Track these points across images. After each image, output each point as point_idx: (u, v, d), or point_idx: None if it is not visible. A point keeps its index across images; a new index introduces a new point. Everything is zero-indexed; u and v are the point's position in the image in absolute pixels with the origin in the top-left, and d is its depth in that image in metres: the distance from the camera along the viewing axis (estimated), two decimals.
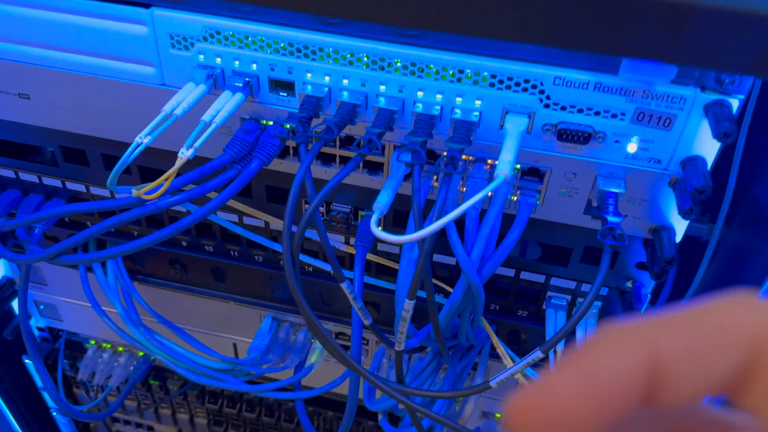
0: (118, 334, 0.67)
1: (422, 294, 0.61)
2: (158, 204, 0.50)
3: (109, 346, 0.85)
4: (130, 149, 0.43)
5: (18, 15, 0.51)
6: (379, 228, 0.40)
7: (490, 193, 0.50)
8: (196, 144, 0.44)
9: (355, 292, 0.47)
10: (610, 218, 0.45)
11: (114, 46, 0.51)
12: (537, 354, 0.43)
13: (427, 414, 0.46)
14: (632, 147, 0.46)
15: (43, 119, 0.58)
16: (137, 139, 0.43)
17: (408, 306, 0.43)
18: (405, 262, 0.47)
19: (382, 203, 0.44)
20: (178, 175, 0.48)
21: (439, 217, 0.40)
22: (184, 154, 0.43)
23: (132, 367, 0.84)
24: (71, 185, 0.64)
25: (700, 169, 0.44)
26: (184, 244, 0.67)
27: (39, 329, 0.88)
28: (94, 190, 0.64)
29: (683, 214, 0.45)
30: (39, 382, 0.92)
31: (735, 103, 0.42)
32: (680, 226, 0.50)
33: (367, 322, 0.48)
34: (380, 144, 0.43)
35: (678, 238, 0.50)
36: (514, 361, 0.54)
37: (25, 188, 0.66)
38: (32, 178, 0.65)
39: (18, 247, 0.67)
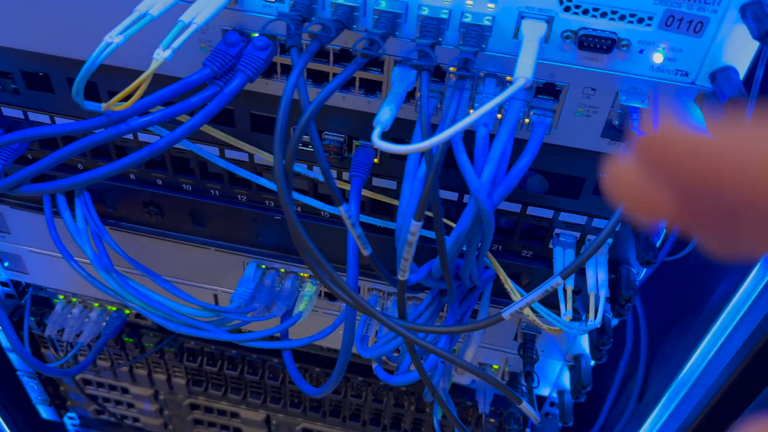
0: (89, 281, 0.62)
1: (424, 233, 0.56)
2: (130, 124, 0.45)
3: (79, 300, 0.80)
4: (97, 50, 0.38)
5: None
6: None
7: (499, 115, 0.46)
8: (174, 45, 0.38)
9: (354, 218, 0.42)
10: (638, 131, 0.40)
11: None
12: (557, 280, 0.40)
13: (432, 350, 0.42)
14: (658, 57, 0.42)
15: (2, 39, 0.52)
16: (107, 39, 0.38)
17: (414, 228, 0.39)
18: (409, 182, 0.43)
19: (384, 118, 0.40)
20: (151, 92, 0.43)
21: (452, 124, 0.35)
22: (161, 55, 0.38)
23: (104, 323, 0.78)
24: (34, 116, 0.58)
25: (733, 79, 0.40)
26: (160, 182, 0.61)
27: (2, 284, 0.82)
28: (60, 122, 0.58)
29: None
30: (4, 342, 0.86)
31: None
32: None
33: (366, 252, 0.43)
34: (383, 46, 0.39)
35: None
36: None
37: None
38: None
39: None
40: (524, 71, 0.37)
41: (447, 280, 0.44)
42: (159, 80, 0.48)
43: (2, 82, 0.57)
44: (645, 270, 0.57)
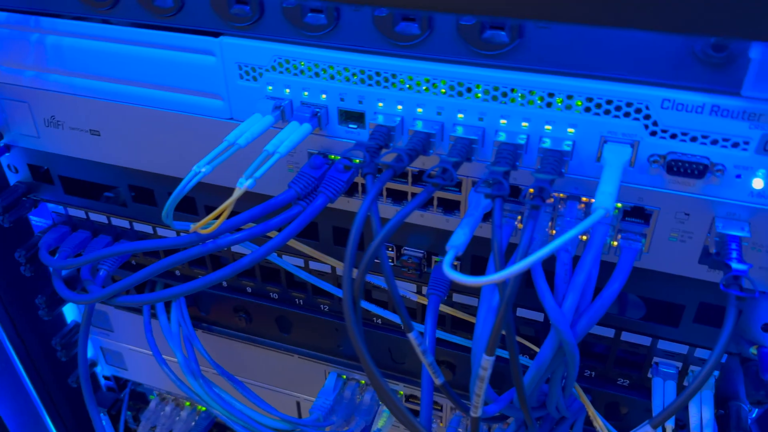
0: (176, 384, 0.63)
1: (505, 354, 0.54)
2: (218, 242, 0.46)
3: (172, 399, 0.82)
4: (187, 178, 0.40)
5: (87, 48, 0.50)
6: (453, 269, 0.34)
7: (584, 236, 0.44)
8: (256, 174, 0.40)
9: (425, 345, 0.41)
10: (735, 265, 0.37)
11: (182, 77, 0.49)
12: (646, 429, 0.36)
13: None
14: (758, 183, 0.39)
15: (112, 156, 0.57)
16: (195, 168, 0.40)
17: (486, 363, 0.37)
18: (483, 312, 0.41)
19: (457, 243, 0.39)
20: (239, 212, 0.45)
21: (525, 256, 0.34)
22: (243, 184, 0.40)
23: (194, 423, 0.80)
24: (139, 226, 0.63)
25: None
26: (249, 290, 0.63)
27: (105, 378, 0.86)
28: (162, 232, 0.62)
29: None
30: None
31: None
32: None
33: (438, 382, 0.41)
34: (456, 175, 0.38)
35: None
36: None
37: (95, 229, 0.65)
38: (102, 218, 0.64)
39: (85, 290, 0.65)
40: (603, 202, 0.35)
41: (526, 416, 0.41)
42: (252, 197, 0.50)
43: (116, 196, 0.63)
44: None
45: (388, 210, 0.50)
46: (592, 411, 0.47)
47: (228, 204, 0.40)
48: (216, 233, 0.45)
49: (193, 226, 0.43)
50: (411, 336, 0.40)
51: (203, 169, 0.40)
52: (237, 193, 0.40)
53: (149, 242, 0.49)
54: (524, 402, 0.40)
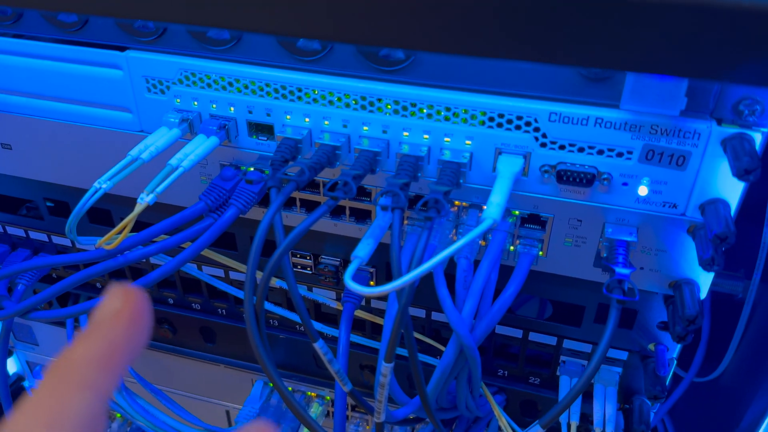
0: None
1: (424, 359, 0.55)
2: (128, 256, 0.47)
3: None
4: (87, 194, 0.40)
5: None
6: (354, 281, 0.36)
7: (483, 242, 0.45)
8: (158, 189, 0.40)
9: (338, 354, 0.42)
10: (619, 269, 0.39)
11: (91, 91, 0.49)
12: (536, 429, 0.37)
13: None
14: (643, 190, 0.41)
15: (26, 170, 0.56)
16: (96, 184, 0.40)
17: (385, 370, 0.38)
18: (388, 321, 0.42)
19: (361, 253, 0.40)
20: (151, 224, 0.45)
21: (418, 265, 0.35)
22: (144, 200, 0.40)
23: None
24: (57, 239, 0.62)
25: (721, 213, 0.39)
26: (171, 301, 0.63)
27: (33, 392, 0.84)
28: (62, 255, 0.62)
29: (704, 264, 0.39)
30: None
31: (758, 137, 0.37)
32: (704, 280, 0.44)
33: (346, 389, 0.42)
34: (354, 187, 0.39)
35: (702, 294, 0.44)
36: None
37: (12, 243, 0.64)
38: (20, 232, 0.63)
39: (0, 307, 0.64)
40: (491, 212, 0.36)
41: (430, 418, 0.42)
42: (167, 209, 0.50)
43: (28, 208, 0.62)
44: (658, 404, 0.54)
45: (325, 223, 0.50)
46: (496, 408, 0.48)
47: (128, 220, 0.40)
48: (122, 247, 0.45)
49: (97, 244, 0.43)
50: (316, 345, 0.41)
51: (104, 185, 0.40)
52: (138, 209, 0.40)
53: (55, 258, 0.49)
54: (426, 403, 0.41)
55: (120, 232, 0.41)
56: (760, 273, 0.52)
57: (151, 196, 0.40)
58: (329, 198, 0.39)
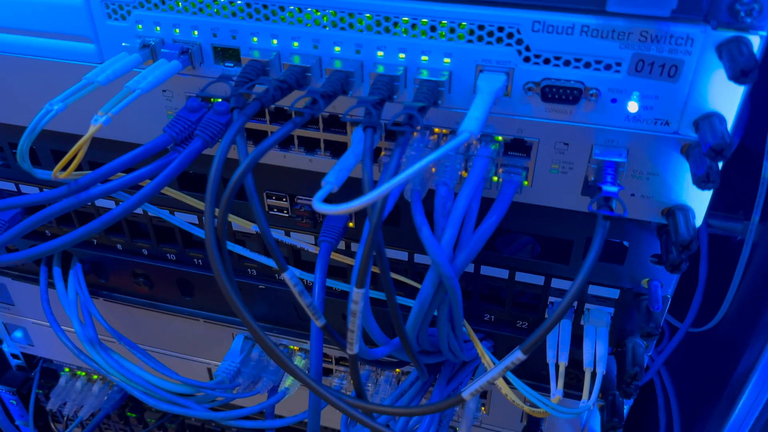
0: (74, 352, 0.61)
1: (404, 302, 0.52)
2: (90, 192, 0.44)
3: (83, 374, 0.79)
4: (38, 115, 0.38)
5: None
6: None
7: (464, 173, 0.43)
8: (113, 110, 0.38)
9: (313, 294, 0.39)
10: (606, 187, 0.36)
11: (49, 21, 0.46)
12: (517, 355, 0.35)
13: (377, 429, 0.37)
14: (633, 106, 0.38)
15: None
16: (47, 105, 0.38)
17: (356, 296, 0.35)
18: (360, 244, 0.39)
19: (331, 179, 0.37)
20: (104, 160, 0.42)
21: (390, 180, 0.33)
22: (98, 120, 0.37)
23: (106, 397, 0.77)
24: (25, 188, 0.59)
25: (717, 126, 0.36)
26: (145, 252, 0.60)
27: (14, 356, 0.82)
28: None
29: (698, 182, 0.36)
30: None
31: (756, 41, 0.34)
32: (700, 206, 0.41)
33: (319, 323, 0.40)
34: (323, 104, 0.37)
35: (698, 221, 0.41)
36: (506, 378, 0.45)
37: None
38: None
39: None
40: (470, 125, 0.34)
41: (410, 356, 0.40)
42: (128, 147, 0.47)
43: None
44: (651, 343, 0.51)
45: (276, 156, 0.48)
46: (479, 345, 0.46)
47: (81, 143, 0.37)
48: (89, 180, 0.42)
49: (53, 173, 0.41)
50: (285, 276, 0.38)
51: (56, 107, 0.38)
52: (92, 130, 0.37)
53: (17, 199, 0.46)
54: (405, 341, 0.39)
55: (74, 159, 0.39)
56: (759, 212, 0.50)
57: (105, 116, 0.37)
58: (294, 116, 0.36)
